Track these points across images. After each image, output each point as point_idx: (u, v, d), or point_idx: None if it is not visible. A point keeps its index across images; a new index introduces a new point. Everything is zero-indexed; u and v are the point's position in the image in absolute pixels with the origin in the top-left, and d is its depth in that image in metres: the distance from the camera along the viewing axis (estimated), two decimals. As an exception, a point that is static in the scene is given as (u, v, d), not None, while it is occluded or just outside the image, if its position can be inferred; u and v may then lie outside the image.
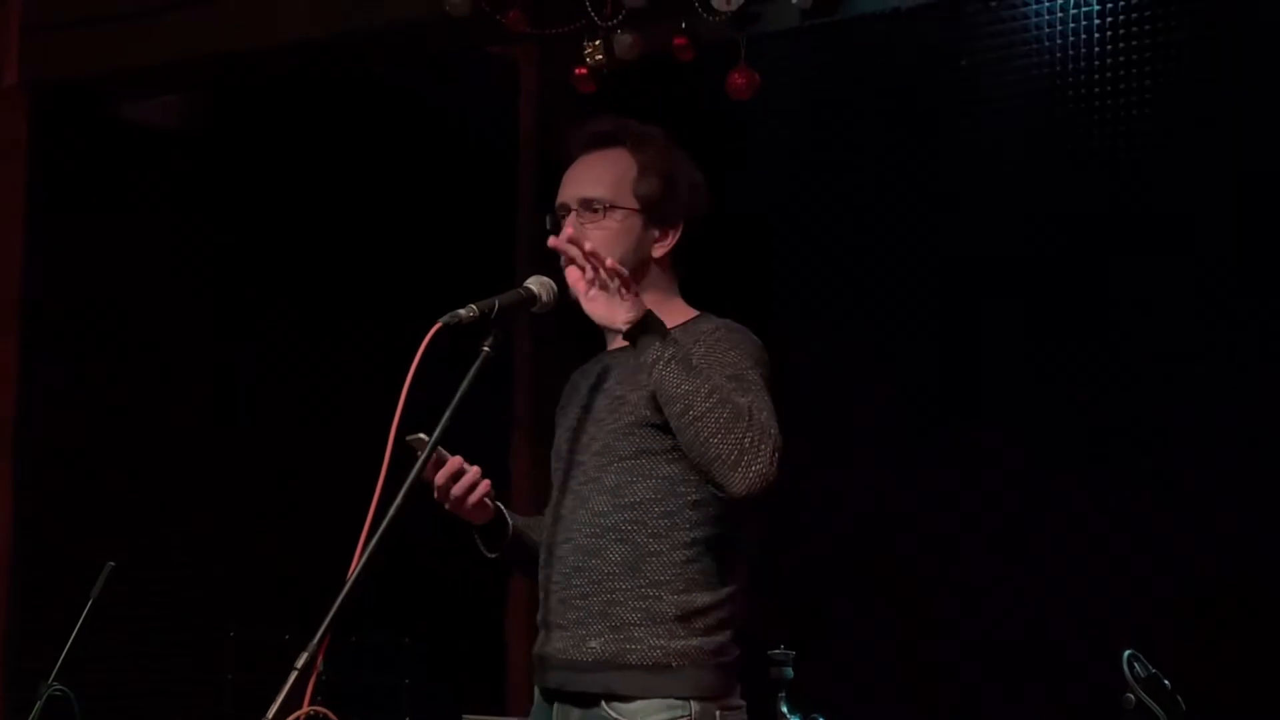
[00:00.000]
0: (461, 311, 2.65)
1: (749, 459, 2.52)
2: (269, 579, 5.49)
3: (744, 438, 2.52)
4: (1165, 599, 4.30)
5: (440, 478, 2.74)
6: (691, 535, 2.69)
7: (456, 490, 2.75)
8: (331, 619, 2.40)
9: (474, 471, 2.75)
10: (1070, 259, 4.56)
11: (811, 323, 4.87)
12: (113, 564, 3.67)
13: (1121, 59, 4.48)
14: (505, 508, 2.90)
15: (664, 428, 2.65)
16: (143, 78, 5.10)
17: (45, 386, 5.25)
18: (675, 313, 2.82)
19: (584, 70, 4.04)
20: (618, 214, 2.78)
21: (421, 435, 2.63)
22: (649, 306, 2.69)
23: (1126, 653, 3.15)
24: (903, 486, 4.76)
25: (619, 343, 2.79)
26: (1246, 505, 4.24)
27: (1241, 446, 4.26)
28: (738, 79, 3.87)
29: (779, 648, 3.91)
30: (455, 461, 2.73)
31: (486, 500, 2.78)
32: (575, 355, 3.06)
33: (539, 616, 2.81)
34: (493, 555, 2.82)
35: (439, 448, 2.67)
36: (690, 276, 2.89)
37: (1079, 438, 4.49)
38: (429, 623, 5.43)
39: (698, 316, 2.84)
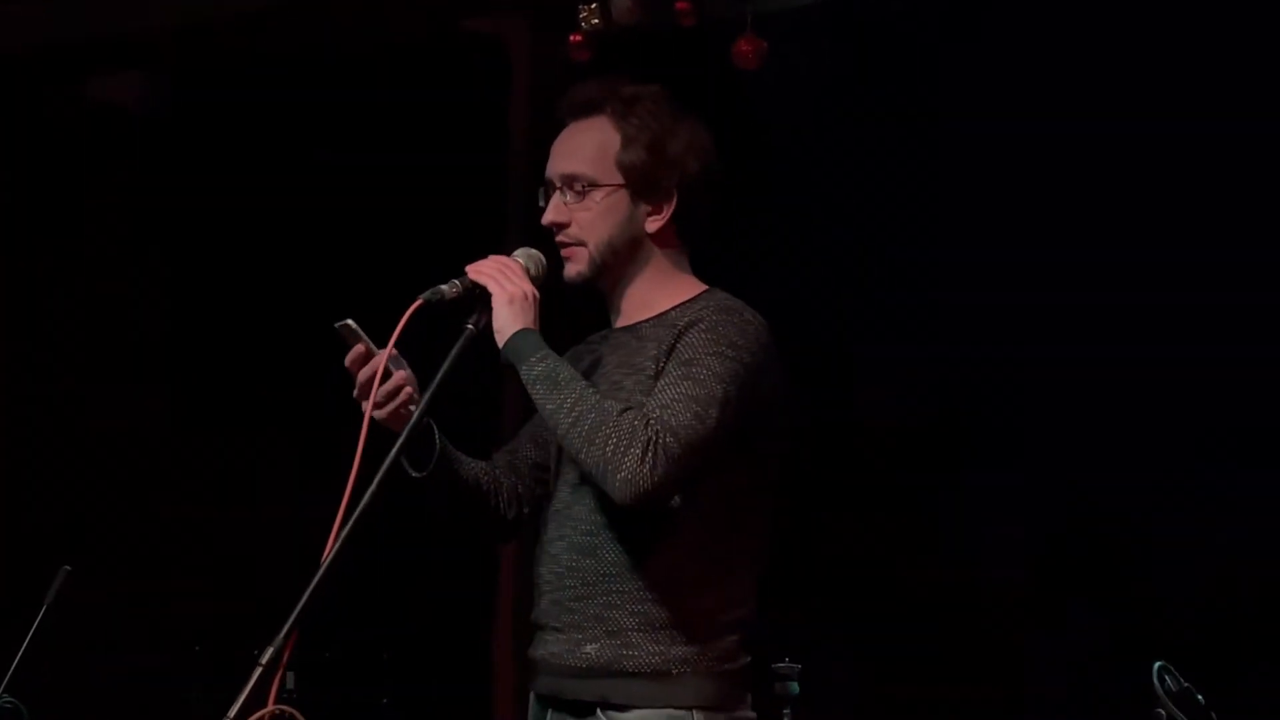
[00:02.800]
0: (444, 287, 2.52)
1: (612, 468, 2.42)
2: (234, 588, 5.35)
3: (605, 446, 2.42)
4: (1199, 607, 4.20)
5: (363, 375, 2.55)
6: (694, 534, 2.53)
7: (363, 377, 2.56)
8: (299, 611, 2.25)
9: (399, 375, 2.56)
10: (1088, 245, 4.46)
11: (808, 297, 4.76)
12: (68, 568, 3.50)
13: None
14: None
15: None
16: (109, 51, 4.97)
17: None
18: (679, 289, 2.66)
19: (579, 37, 3.86)
20: (600, 192, 2.61)
21: (350, 322, 2.52)
22: (646, 287, 2.62)
23: (1157, 664, 2.94)
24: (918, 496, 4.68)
25: (620, 322, 2.67)
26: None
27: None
28: (744, 47, 3.72)
29: (784, 660, 3.75)
30: (382, 357, 2.53)
31: (412, 409, 2.56)
32: (568, 332, 2.88)
33: (534, 615, 2.66)
34: (418, 474, 2.60)
35: (370, 343, 2.54)
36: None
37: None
38: (409, 635, 5.30)
39: (703, 293, 2.66)
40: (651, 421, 2.43)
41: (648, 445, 2.41)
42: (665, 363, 2.53)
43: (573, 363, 2.74)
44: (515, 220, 4.66)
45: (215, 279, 5.56)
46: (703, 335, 2.52)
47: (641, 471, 2.40)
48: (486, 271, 2.56)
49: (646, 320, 2.64)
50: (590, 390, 2.50)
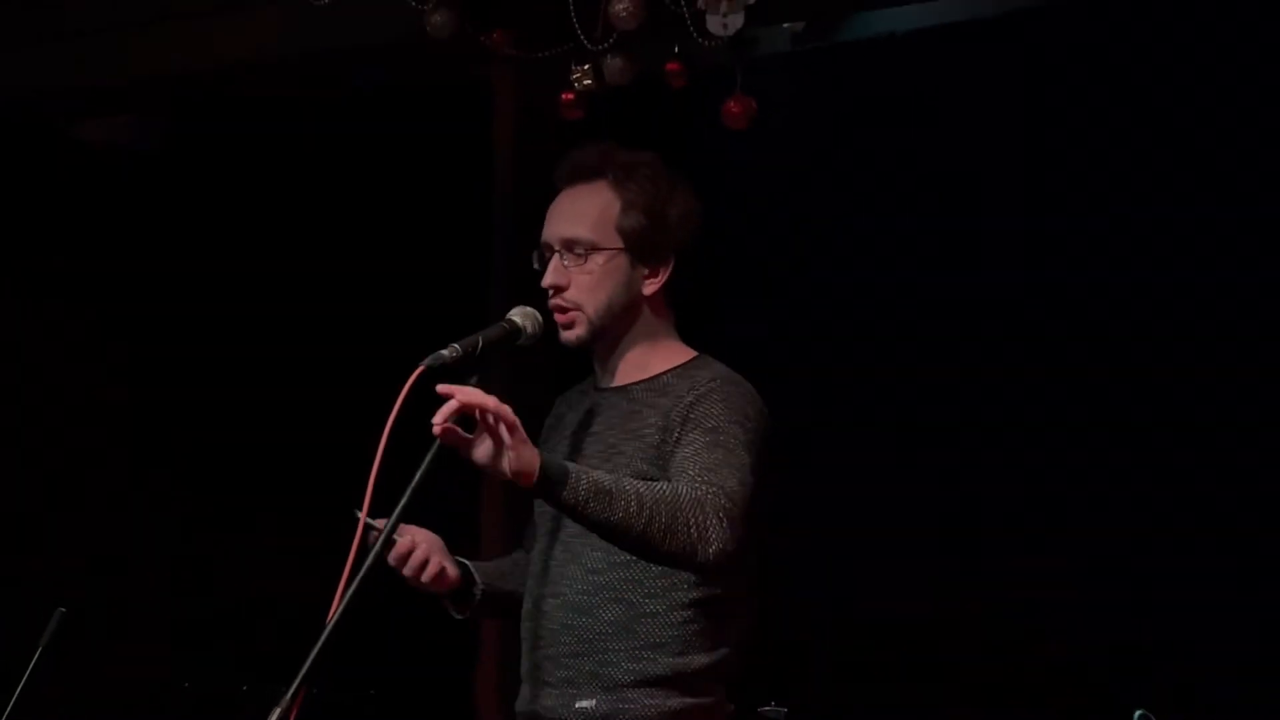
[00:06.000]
0: (444, 352, 2.56)
1: (703, 545, 2.49)
2: (226, 627, 5.39)
3: (690, 530, 2.48)
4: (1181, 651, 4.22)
5: (392, 561, 2.67)
6: (690, 595, 2.62)
7: (408, 573, 2.69)
8: (307, 671, 2.30)
9: (422, 550, 2.67)
10: (1065, 280, 4.51)
11: (800, 344, 4.78)
12: (63, 610, 3.49)
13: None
14: (471, 563, 2.79)
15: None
16: (100, 95, 4.95)
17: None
18: (670, 354, 2.74)
19: (571, 95, 3.92)
20: (601, 255, 2.68)
21: (361, 515, 2.49)
22: (640, 350, 2.70)
23: (1138, 713, 2.96)
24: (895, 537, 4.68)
25: (610, 382, 2.73)
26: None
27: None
28: (734, 107, 3.75)
29: (769, 704, 3.79)
30: (403, 544, 2.66)
31: (446, 567, 2.70)
32: (553, 391, 2.98)
33: (523, 669, 2.72)
34: (461, 617, 2.75)
35: (376, 526, 2.53)
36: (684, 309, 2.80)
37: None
38: (394, 672, 5.30)
39: (695, 359, 2.74)
40: (712, 488, 2.51)
41: (718, 512, 2.50)
42: (679, 431, 2.60)
43: (556, 422, 2.85)
44: (499, 273, 4.71)
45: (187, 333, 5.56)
46: (720, 406, 2.61)
47: (727, 537, 2.50)
48: (483, 404, 2.45)
49: (639, 383, 2.71)
50: (639, 486, 2.51)
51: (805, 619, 4.72)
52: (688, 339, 2.82)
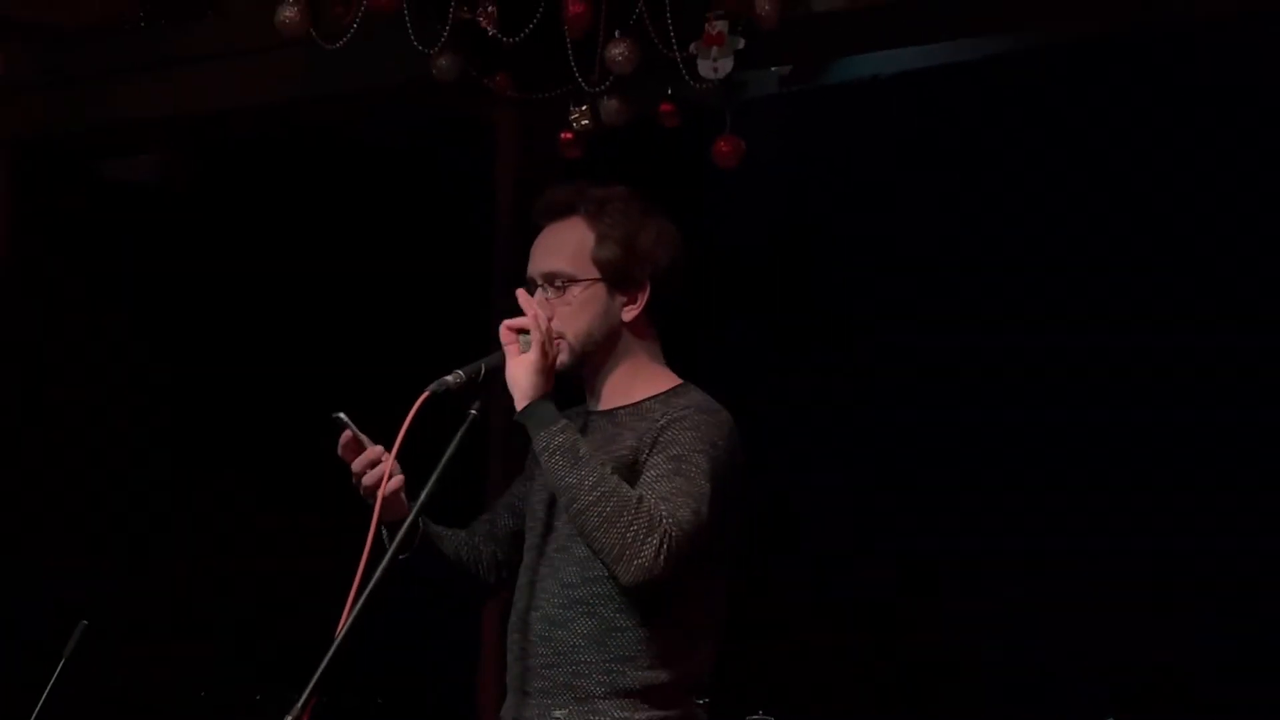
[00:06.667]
0: (449, 379, 2.67)
1: (630, 553, 2.55)
2: (241, 636, 5.49)
3: (627, 531, 2.55)
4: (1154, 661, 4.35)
5: (358, 465, 2.73)
6: (659, 610, 2.68)
7: (368, 479, 2.72)
8: (318, 680, 2.41)
9: (389, 462, 2.70)
10: (1063, 324, 4.62)
11: (791, 382, 4.91)
12: (85, 623, 3.57)
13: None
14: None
15: None
16: (123, 135, 5.12)
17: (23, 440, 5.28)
18: (654, 380, 2.82)
19: (570, 135, 4.06)
20: (578, 286, 2.77)
21: (341, 414, 2.67)
22: (623, 375, 2.76)
23: (1108, 720, 3.16)
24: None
25: (598, 405, 2.82)
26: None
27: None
28: (723, 146, 3.90)
29: (758, 713, 3.91)
30: (374, 451, 2.71)
31: (402, 497, 2.74)
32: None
33: (508, 678, 2.81)
34: (401, 556, 2.73)
35: (360, 434, 2.69)
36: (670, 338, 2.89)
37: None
38: (400, 681, 5.42)
39: (678, 387, 2.82)
40: (664, 514, 2.57)
41: (663, 537, 2.55)
42: (648, 454, 2.67)
43: None
44: (499, 302, 4.81)
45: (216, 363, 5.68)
46: (688, 434, 2.67)
47: (657, 562, 2.55)
48: (528, 325, 2.69)
49: (623, 407, 2.78)
50: (610, 471, 2.61)
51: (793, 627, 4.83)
52: (679, 358, 2.90)
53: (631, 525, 2.56)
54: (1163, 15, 4.16)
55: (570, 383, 2.84)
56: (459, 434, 2.68)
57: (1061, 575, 4.55)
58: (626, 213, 2.80)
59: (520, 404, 2.66)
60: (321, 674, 2.43)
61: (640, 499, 2.58)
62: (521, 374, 2.67)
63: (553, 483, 2.63)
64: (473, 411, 2.70)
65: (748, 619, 3.01)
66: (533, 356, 2.67)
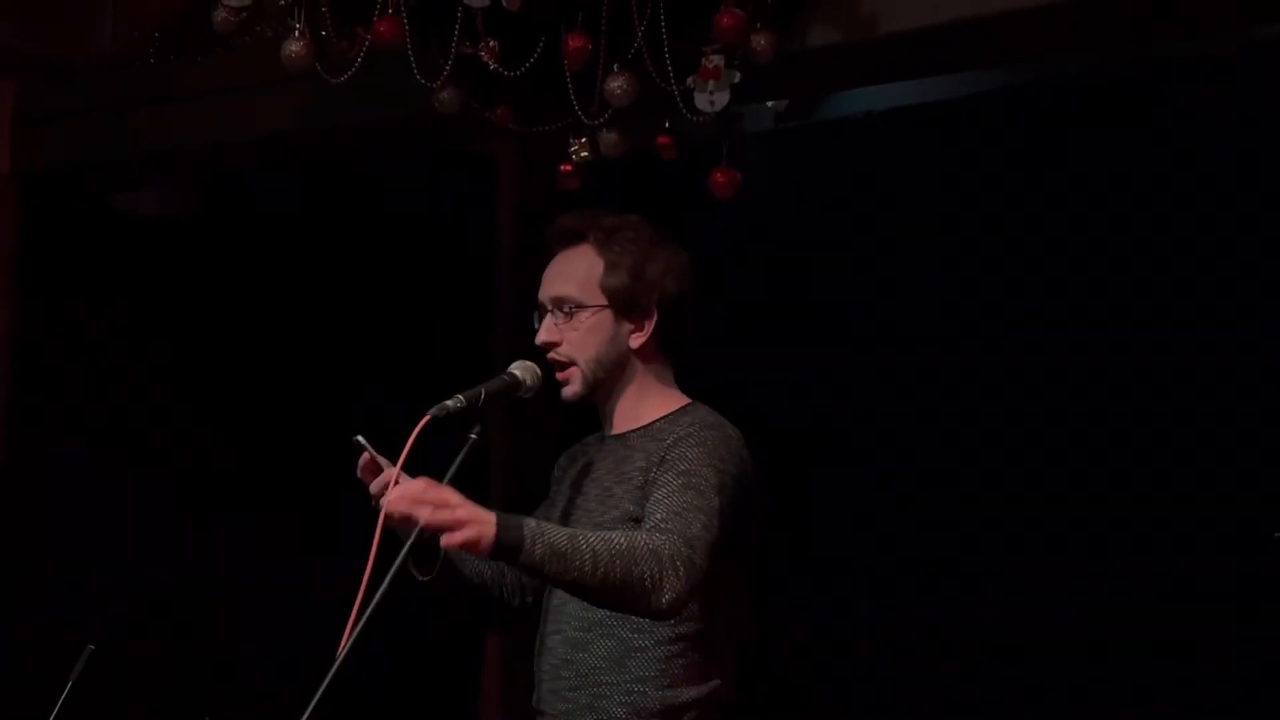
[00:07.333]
0: (449, 403, 2.71)
1: (656, 594, 2.57)
2: (244, 663, 5.52)
3: (644, 580, 2.56)
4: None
5: (375, 486, 2.75)
6: (676, 630, 2.73)
7: (374, 489, 2.75)
8: (318, 701, 2.45)
9: (394, 477, 2.70)
10: (1060, 359, 4.67)
11: (788, 414, 4.92)
12: (92, 647, 3.58)
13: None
14: None
15: None
16: (133, 168, 5.17)
17: (32, 471, 5.30)
18: (663, 402, 2.87)
19: (569, 167, 4.12)
20: (586, 313, 2.84)
21: (360, 438, 2.73)
22: (632, 399, 2.83)
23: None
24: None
25: (611, 430, 2.88)
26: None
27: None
28: (719, 177, 3.96)
29: None
30: (391, 473, 2.72)
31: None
32: (553, 439, 3.13)
33: (534, 701, 2.86)
34: (424, 579, 2.80)
35: (379, 456, 2.73)
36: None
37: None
38: (401, 701, 5.44)
39: (686, 406, 2.88)
40: (672, 535, 2.60)
41: (675, 560, 2.58)
42: (656, 472, 2.72)
43: (568, 465, 2.98)
44: (500, 329, 4.87)
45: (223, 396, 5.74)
46: (695, 449, 2.72)
47: (680, 587, 2.58)
48: (413, 514, 2.53)
49: (635, 430, 2.86)
50: (589, 539, 2.57)
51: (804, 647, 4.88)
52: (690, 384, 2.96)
53: (646, 571, 2.56)
54: (1158, 51, 4.21)
55: (586, 410, 2.90)
56: (459, 457, 2.71)
57: (1061, 575, 4.60)
58: (636, 241, 2.86)
59: (487, 555, 2.56)
60: (321, 696, 2.46)
61: (634, 543, 2.57)
62: (460, 538, 2.52)
63: (561, 586, 2.62)
64: (473, 435, 2.74)
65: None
66: (446, 527, 2.52)
